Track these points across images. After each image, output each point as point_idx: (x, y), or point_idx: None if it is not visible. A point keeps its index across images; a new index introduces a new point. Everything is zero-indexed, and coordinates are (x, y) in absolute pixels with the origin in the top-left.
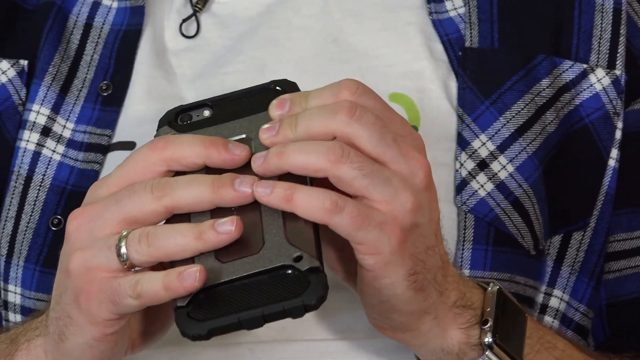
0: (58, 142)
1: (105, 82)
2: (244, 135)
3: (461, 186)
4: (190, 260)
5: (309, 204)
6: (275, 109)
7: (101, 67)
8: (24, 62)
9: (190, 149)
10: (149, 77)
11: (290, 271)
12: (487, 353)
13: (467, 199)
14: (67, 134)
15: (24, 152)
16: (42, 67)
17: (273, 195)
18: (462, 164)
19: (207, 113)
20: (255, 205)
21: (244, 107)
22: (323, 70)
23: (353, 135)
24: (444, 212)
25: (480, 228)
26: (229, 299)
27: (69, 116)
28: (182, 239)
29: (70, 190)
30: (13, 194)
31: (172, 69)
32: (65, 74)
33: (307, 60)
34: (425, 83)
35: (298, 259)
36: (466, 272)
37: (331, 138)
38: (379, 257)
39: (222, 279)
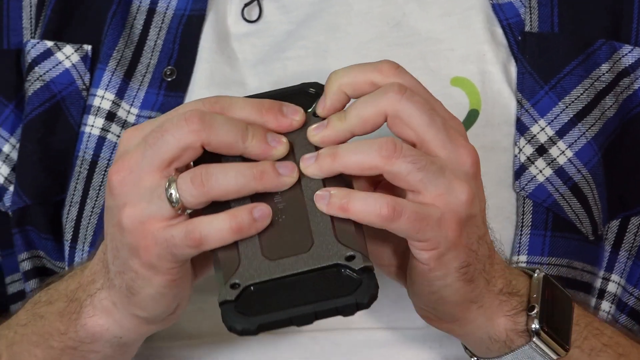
0: (123, 127)
1: (169, 67)
2: (284, 139)
3: (520, 171)
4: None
5: (366, 211)
6: (320, 108)
7: (165, 53)
8: (88, 47)
9: (247, 113)
10: (212, 62)
11: (342, 270)
12: (534, 339)
13: (526, 184)
14: (131, 119)
15: (89, 137)
16: (106, 52)
17: (330, 204)
18: (520, 149)
19: None
20: (301, 204)
21: None
22: (384, 54)
23: (404, 113)
24: (503, 197)
25: (538, 213)
26: (279, 295)
27: (133, 101)
28: (242, 178)
29: None
30: (78, 179)
31: (235, 54)
32: (129, 59)
33: (369, 45)
34: (487, 66)
35: (350, 258)
36: (524, 257)
37: (383, 119)
38: (435, 251)
39: (272, 275)
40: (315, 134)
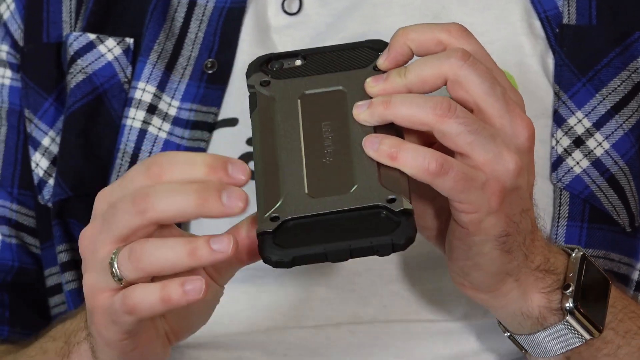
0: (164, 119)
1: (210, 60)
2: (340, 87)
3: (557, 163)
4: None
5: (414, 163)
6: (382, 59)
7: (205, 45)
8: (130, 40)
9: (188, 174)
10: (252, 54)
11: (382, 211)
12: (567, 318)
13: (563, 176)
14: (172, 111)
15: (130, 129)
16: (147, 44)
17: (379, 151)
18: (558, 141)
19: (298, 62)
20: (349, 148)
21: (337, 62)
22: None
23: (465, 79)
24: (540, 189)
25: (575, 205)
26: (316, 230)
27: (174, 94)
28: (173, 255)
29: None
30: (119, 171)
31: (274, 46)
32: (170, 52)
33: None
34: (525, 58)
35: (392, 200)
36: None
37: (442, 83)
38: (475, 215)
39: (312, 211)
40: (373, 85)
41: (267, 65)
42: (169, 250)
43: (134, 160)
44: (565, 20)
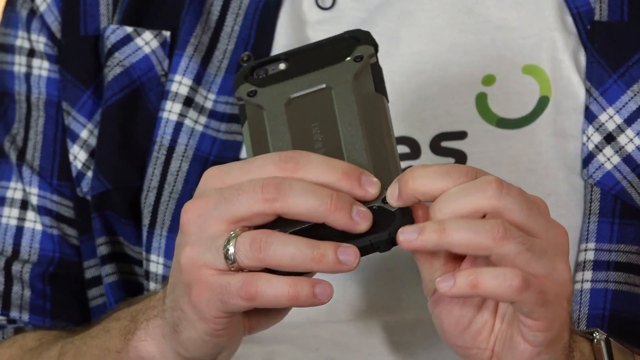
0: (200, 112)
1: (246, 53)
2: (324, 85)
3: (588, 159)
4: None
5: (499, 284)
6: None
7: (242, 39)
8: (167, 33)
9: (323, 176)
10: (287, 47)
11: (378, 210)
12: None
13: (594, 172)
14: (208, 104)
15: (166, 122)
16: (183, 38)
17: (459, 287)
18: (589, 137)
19: (282, 66)
20: (339, 145)
21: (319, 59)
22: (456, 41)
23: (505, 209)
24: (572, 185)
25: (606, 201)
26: (317, 236)
27: (210, 87)
28: (299, 256)
29: (213, 161)
30: (155, 164)
31: (308, 40)
32: (207, 45)
33: (441, 32)
34: (557, 54)
35: (386, 200)
36: (592, 245)
37: (480, 217)
38: (549, 333)
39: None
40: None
41: (253, 75)
42: (296, 250)
43: (170, 153)
44: (597, 17)
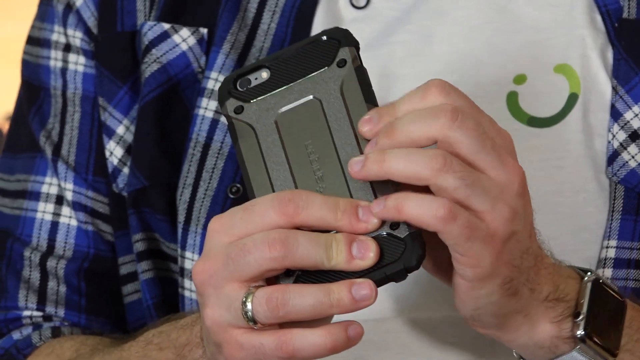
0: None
1: None
2: (311, 97)
3: (612, 157)
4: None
5: (422, 212)
6: (363, 125)
7: (278, 37)
8: (204, 30)
9: (323, 218)
10: None
11: (387, 239)
12: (579, 346)
13: (618, 170)
14: None
15: (202, 119)
16: (220, 35)
17: (386, 209)
18: (614, 135)
19: (265, 75)
20: (336, 168)
21: (301, 65)
22: (490, 40)
23: (455, 140)
24: (598, 182)
25: (630, 199)
26: (327, 273)
27: None
28: (318, 305)
29: None
30: (191, 161)
31: None
32: (243, 42)
33: (475, 30)
34: (586, 51)
35: (394, 226)
36: (614, 242)
37: (432, 143)
38: (478, 269)
39: None
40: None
41: (236, 87)
42: (314, 300)
43: (205, 150)
44: (625, 15)
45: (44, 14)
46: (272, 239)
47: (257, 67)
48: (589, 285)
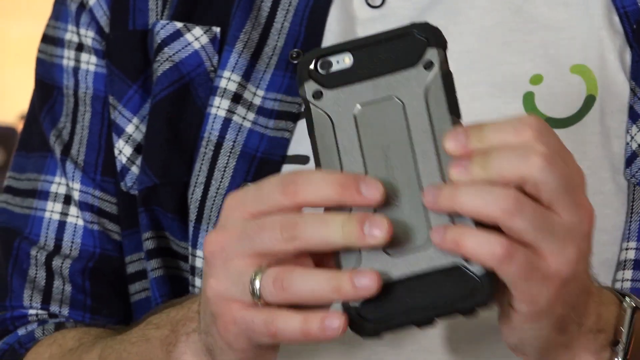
0: (248, 109)
1: (295, 50)
2: (393, 97)
3: (631, 159)
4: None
5: (480, 249)
6: (449, 141)
7: (291, 35)
8: (217, 29)
9: (322, 194)
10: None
11: (462, 272)
12: None
13: (637, 172)
14: (257, 101)
15: (214, 118)
16: (233, 34)
17: (444, 240)
18: (632, 137)
19: (347, 61)
20: (416, 185)
21: (386, 58)
22: (505, 40)
23: (542, 183)
24: (616, 184)
25: None
26: (399, 298)
27: (259, 83)
28: (319, 289)
29: (261, 158)
30: (203, 160)
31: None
32: (256, 41)
33: (490, 30)
34: (604, 53)
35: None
36: (633, 244)
37: (520, 183)
38: (533, 307)
39: (392, 276)
40: (456, 174)
41: (317, 69)
42: (314, 283)
43: (218, 149)
44: None
45: (59, 13)
46: (283, 222)
47: (340, 50)
48: (629, 312)
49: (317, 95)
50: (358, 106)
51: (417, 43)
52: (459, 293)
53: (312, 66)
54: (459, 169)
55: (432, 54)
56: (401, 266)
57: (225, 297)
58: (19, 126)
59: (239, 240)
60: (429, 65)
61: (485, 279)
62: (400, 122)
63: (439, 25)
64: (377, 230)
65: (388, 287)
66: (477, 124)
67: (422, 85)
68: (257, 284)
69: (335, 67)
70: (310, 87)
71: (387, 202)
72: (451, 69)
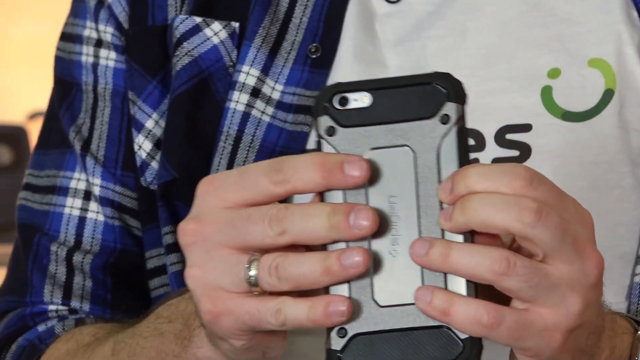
0: (267, 103)
1: (314, 44)
2: (406, 145)
3: None
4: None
5: (466, 318)
6: (441, 189)
7: (310, 30)
8: (236, 24)
9: (309, 179)
10: (355, 39)
11: (446, 333)
12: None
13: None
14: (276, 95)
15: (233, 112)
16: (252, 29)
17: (431, 305)
18: None
19: (366, 100)
20: (415, 213)
21: (404, 104)
22: (522, 35)
23: (535, 239)
24: (636, 178)
25: None
26: (383, 350)
27: (277, 78)
28: (311, 273)
29: (280, 152)
30: (222, 154)
31: (376, 33)
32: (275, 36)
33: (507, 25)
34: (623, 47)
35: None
36: None
37: (509, 234)
38: (538, 358)
39: (378, 327)
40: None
41: (332, 103)
42: (306, 268)
43: (236, 143)
44: None
45: (77, 10)
46: (272, 216)
47: (359, 89)
48: None
49: (330, 131)
50: (370, 150)
51: (437, 94)
52: (441, 356)
53: (329, 101)
54: (444, 217)
55: (450, 108)
56: (388, 318)
57: (215, 287)
58: (26, 125)
59: (223, 231)
60: (445, 120)
61: (470, 344)
62: (410, 173)
63: (457, 21)
64: (364, 221)
65: (372, 337)
66: (465, 168)
67: (437, 139)
68: (254, 272)
69: (352, 105)
70: (324, 121)
71: (386, 250)
72: (469, 64)
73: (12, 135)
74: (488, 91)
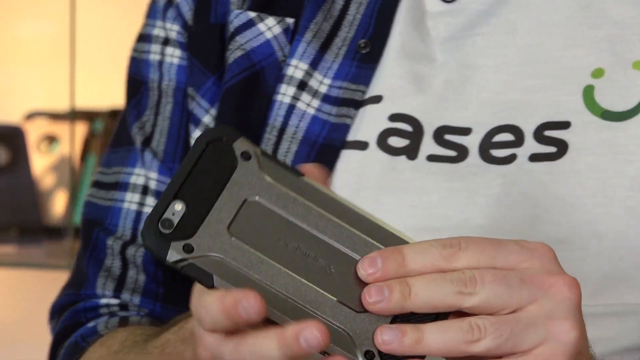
0: (313, 96)
1: (363, 40)
2: (246, 199)
3: None
4: None
5: (442, 345)
6: (366, 268)
7: (361, 27)
8: (290, 20)
9: (217, 323)
10: (404, 35)
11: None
12: None
13: None
14: (323, 89)
15: (280, 105)
16: (303, 24)
17: (403, 344)
18: None
19: (179, 207)
20: (314, 237)
21: (208, 178)
22: (571, 34)
23: (481, 305)
24: None
25: None
26: None
27: (326, 72)
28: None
29: (322, 144)
30: (267, 146)
31: (427, 30)
32: (327, 32)
33: (557, 24)
34: None
35: (368, 353)
36: None
37: (455, 309)
38: None
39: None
40: (373, 303)
41: (162, 233)
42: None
43: (280, 134)
44: None
45: (150, 11)
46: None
47: (165, 204)
48: None
49: (188, 248)
50: (227, 231)
51: (220, 148)
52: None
53: (159, 235)
54: (376, 295)
55: (240, 145)
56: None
57: None
58: (23, 126)
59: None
60: (246, 156)
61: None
62: (270, 213)
63: (509, 19)
64: (313, 342)
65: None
66: (393, 248)
67: (258, 173)
68: None
69: (175, 219)
70: (176, 248)
71: (323, 275)
72: (515, 61)
73: (8, 135)
74: (532, 88)
